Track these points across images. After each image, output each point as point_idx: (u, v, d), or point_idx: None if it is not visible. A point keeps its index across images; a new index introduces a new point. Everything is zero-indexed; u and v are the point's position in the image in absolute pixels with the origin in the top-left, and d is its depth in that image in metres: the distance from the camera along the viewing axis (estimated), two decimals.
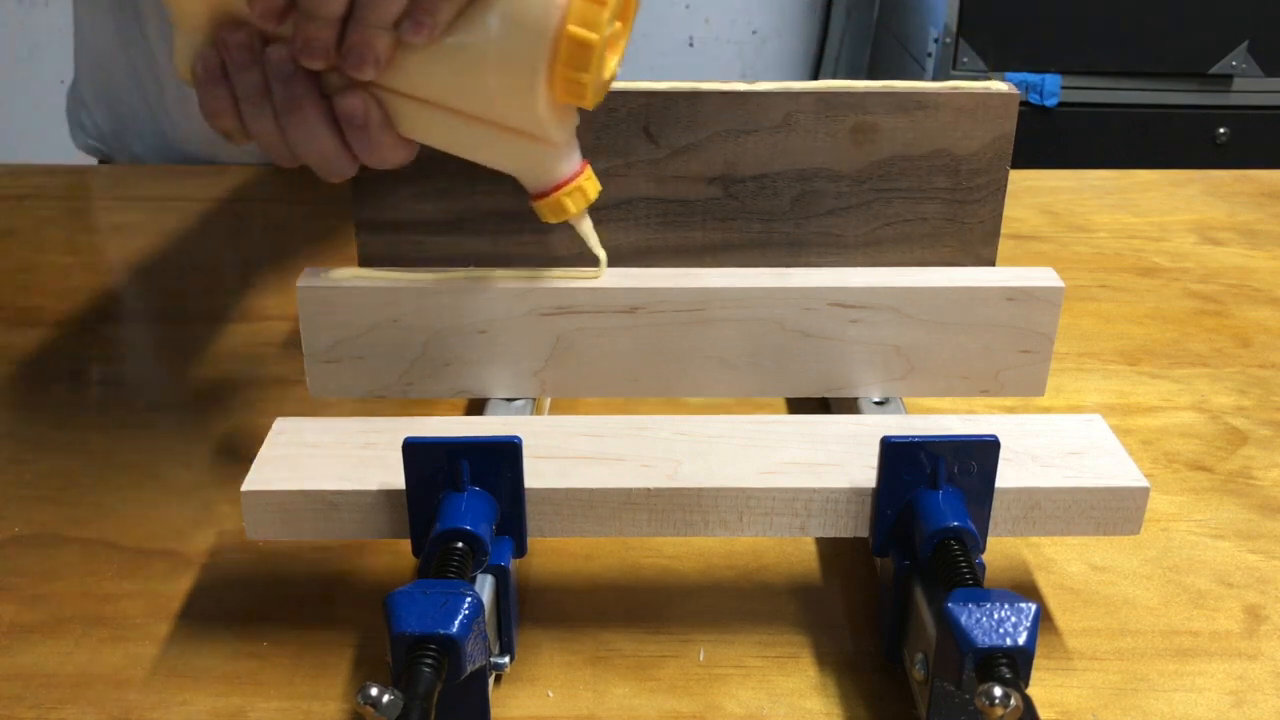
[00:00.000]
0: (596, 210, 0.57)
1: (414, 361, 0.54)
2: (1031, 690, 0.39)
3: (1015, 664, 0.38)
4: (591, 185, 0.51)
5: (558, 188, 0.50)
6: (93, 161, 1.08)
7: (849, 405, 0.57)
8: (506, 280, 0.53)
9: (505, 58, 0.45)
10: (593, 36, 0.44)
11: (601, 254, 0.54)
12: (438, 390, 0.55)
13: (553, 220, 0.51)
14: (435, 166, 0.56)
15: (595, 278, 0.54)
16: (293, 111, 0.47)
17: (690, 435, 0.50)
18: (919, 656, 0.43)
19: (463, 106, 0.48)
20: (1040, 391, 0.56)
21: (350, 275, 0.54)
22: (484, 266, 0.55)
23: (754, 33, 2.62)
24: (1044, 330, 0.54)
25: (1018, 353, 0.54)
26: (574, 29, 0.44)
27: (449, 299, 0.53)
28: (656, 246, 0.58)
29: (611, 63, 0.48)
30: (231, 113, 0.48)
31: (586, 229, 0.53)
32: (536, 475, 0.46)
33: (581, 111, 0.55)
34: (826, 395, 0.56)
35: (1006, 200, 0.58)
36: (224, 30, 0.47)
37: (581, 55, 0.45)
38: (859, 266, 0.57)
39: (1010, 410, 0.64)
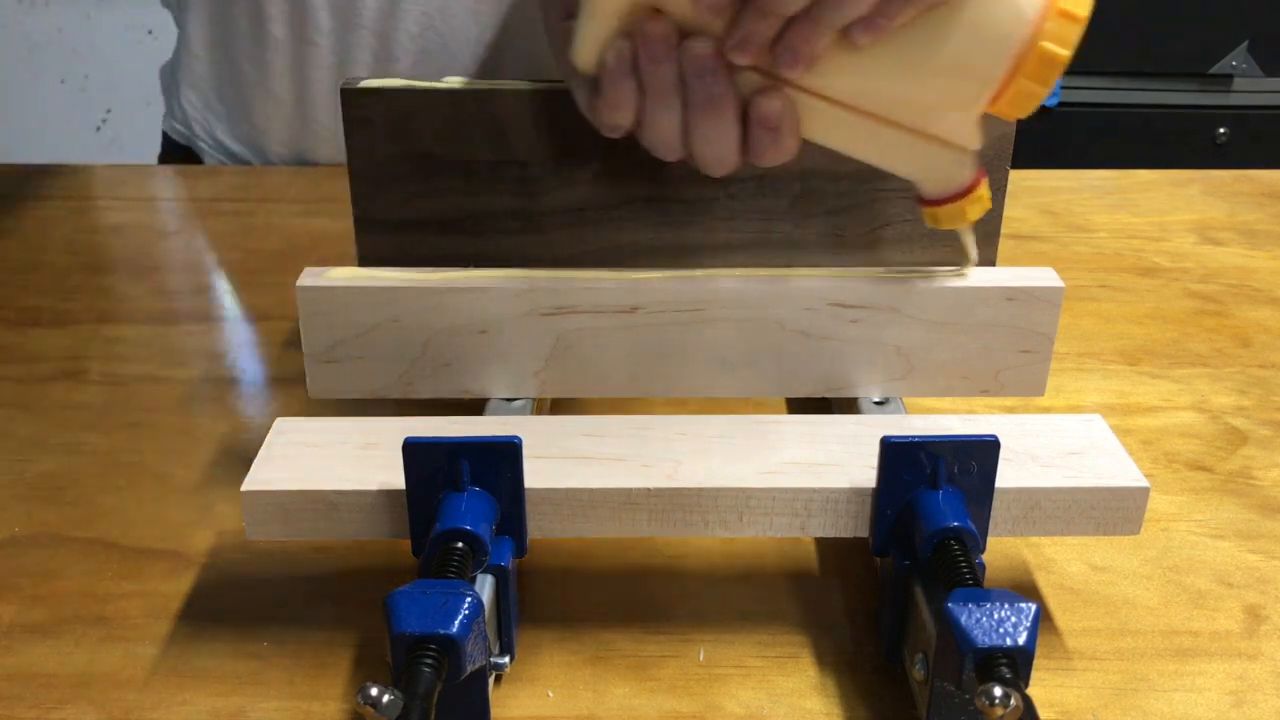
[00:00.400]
0: (598, 209, 0.57)
1: (414, 361, 0.54)
2: (1031, 690, 0.39)
3: (1015, 664, 0.38)
4: (988, 193, 0.50)
5: (960, 195, 0.50)
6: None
7: (849, 405, 0.57)
8: (506, 280, 0.53)
9: (957, 67, 0.45)
10: (1065, 54, 0.44)
11: (975, 256, 0.54)
12: (438, 390, 0.55)
13: (945, 226, 0.51)
14: (434, 167, 0.56)
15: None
16: (708, 108, 0.46)
17: (690, 435, 0.50)
18: (919, 656, 0.43)
19: (885, 111, 0.47)
20: (1040, 391, 0.56)
21: (350, 275, 0.54)
22: (484, 266, 0.55)
23: None
24: (1044, 330, 0.54)
25: (1018, 353, 0.54)
26: (1048, 45, 0.43)
27: (449, 299, 0.53)
28: (656, 246, 0.58)
29: None
30: (633, 106, 0.47)
31: (969, 235, 0.53)
32: (536, 475, 0.46)
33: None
34: (826, 395, 0.56)
35: (1006, 200, 0.58)
36: (644, 21, 0.45)
37: (1049, 71, 0.44)
38: (859, 266, 0.57)
39: (1010, 410, 0.64)
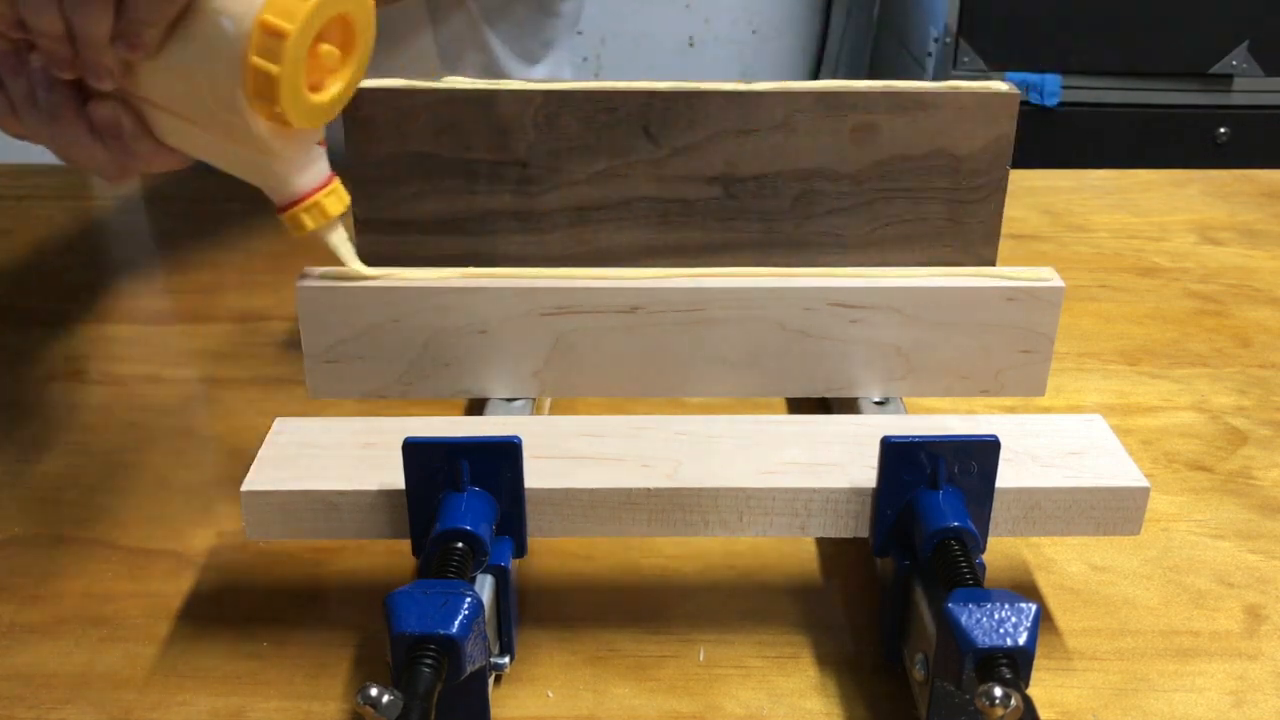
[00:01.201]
0: (598, 209, 0.57)
1: (414, 361, 0.54)
2: (1031, 690, 0.39)
3: (1015, 664, 0.38)
4: (334, 201, 0.50)
5: (296, 202, 0.50)
6: None
7: (849, 405, 0.57)
8: (506, 280, 0.53)
9: (210, 77, 0.45)
10: (273, 69, 0.43)
11: (357, 266, 0.53)
12: (438, 390, 0.55)
13: (296, 233, 0.51)
14: (434, 167, 0.56)
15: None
16: (55, 119, 0.47)
17: (690, 435, 0.50)
18: (919, 656, 0.43)
19: (193, 117, 0.47)
20: (1040, 391, 0.56)
21: (350, 275, 0.53)
22: (484, 266, 0.55)
23: (754, 33, 2.62)
24: (1044, 330, 0.54)
25: (1018, 353, 0.54)
26: (256, 60, 0.44)
27: (449, 299, 0.53)
28: (656, 246, 0.58)
29: (333, 87, 0.47)
30: (13, 117, 0.48)
31: (335, 241, 0.52)
32: (536, 475, 0.46)
33: (581, 112, 0.55)
34: (826, 395, 0.56)
35: (1006, 200, 0.58)
36: None
37: (267, 86, 0.44)
38: (860, 266, 0.57)
39: (1010, 410, 0.64)
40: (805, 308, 0.53)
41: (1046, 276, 0.54)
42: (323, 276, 0.53)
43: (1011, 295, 0.53)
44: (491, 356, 0.54)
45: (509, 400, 0.56)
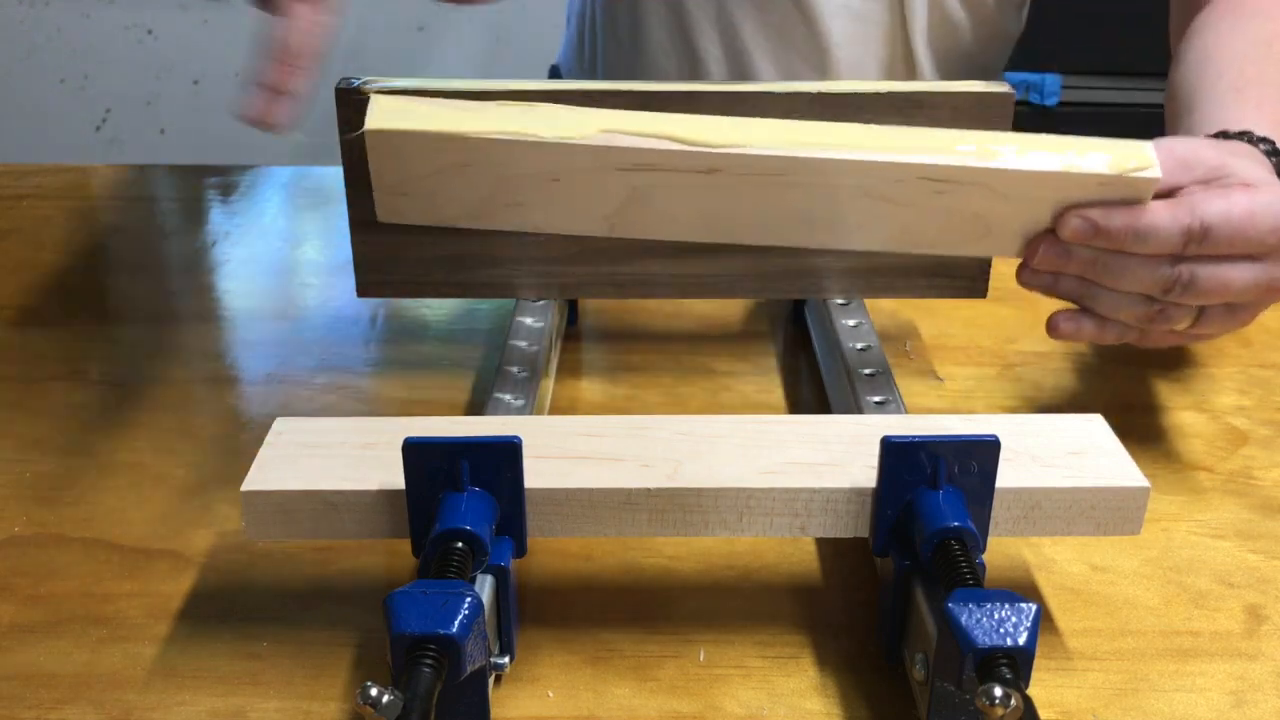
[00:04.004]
0: None
1: (485, 199, 0.53)
2: (1031, 690, 0.39)
3: (1015, 664, 0.38)
4: None
5: None
6: None
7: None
8: (581, 139, 0.50)
9: None
10: None
11: None
12: (504, 223, 0.53)
13: None
14: None
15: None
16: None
17: (690, 435, 0.50)
18: (919, 656, 0.43)
19: None
20: None
21: (422, 118, 0.51)
22: (480, 266, 0.54)
23: None
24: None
25: None
26: None
27: (521, 151, 0.51)
28: (652, 246, 0.58)
29: None
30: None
31: None
32: (536, 475, 0.46)
33: None
34: (900, 250, 0.54)
35: None
36: None
37: None
38: (855, 266, 0.57)
39: (1010, 410, 0.64)
40: (896, 179, 0.51)
41: (1146, 164, 0.51)
42: (394, 118, 0.50)
43: (1104, 182, 0.50)
44: (563, 200, 0.52)
45: (517, 379, 0.56)
